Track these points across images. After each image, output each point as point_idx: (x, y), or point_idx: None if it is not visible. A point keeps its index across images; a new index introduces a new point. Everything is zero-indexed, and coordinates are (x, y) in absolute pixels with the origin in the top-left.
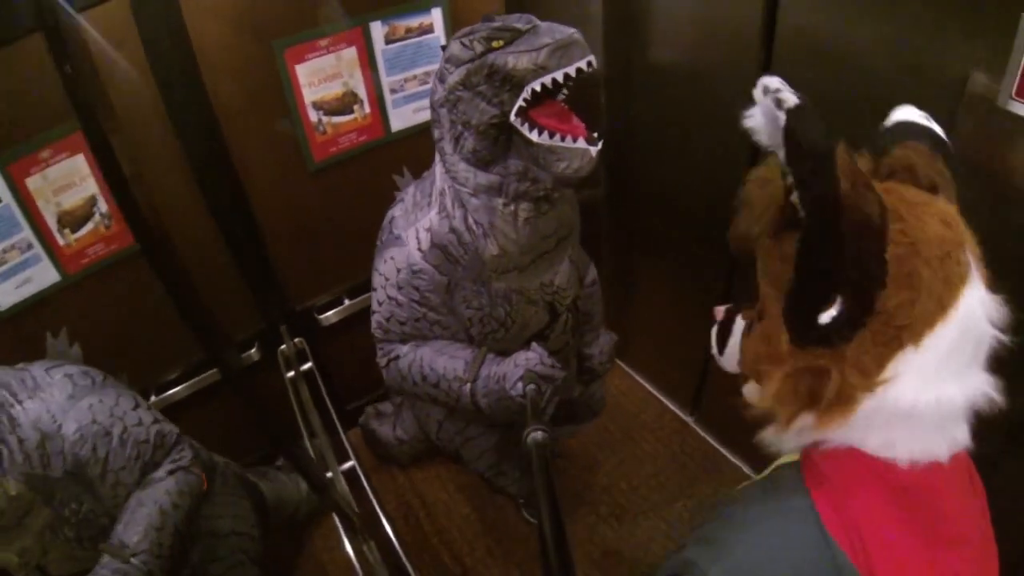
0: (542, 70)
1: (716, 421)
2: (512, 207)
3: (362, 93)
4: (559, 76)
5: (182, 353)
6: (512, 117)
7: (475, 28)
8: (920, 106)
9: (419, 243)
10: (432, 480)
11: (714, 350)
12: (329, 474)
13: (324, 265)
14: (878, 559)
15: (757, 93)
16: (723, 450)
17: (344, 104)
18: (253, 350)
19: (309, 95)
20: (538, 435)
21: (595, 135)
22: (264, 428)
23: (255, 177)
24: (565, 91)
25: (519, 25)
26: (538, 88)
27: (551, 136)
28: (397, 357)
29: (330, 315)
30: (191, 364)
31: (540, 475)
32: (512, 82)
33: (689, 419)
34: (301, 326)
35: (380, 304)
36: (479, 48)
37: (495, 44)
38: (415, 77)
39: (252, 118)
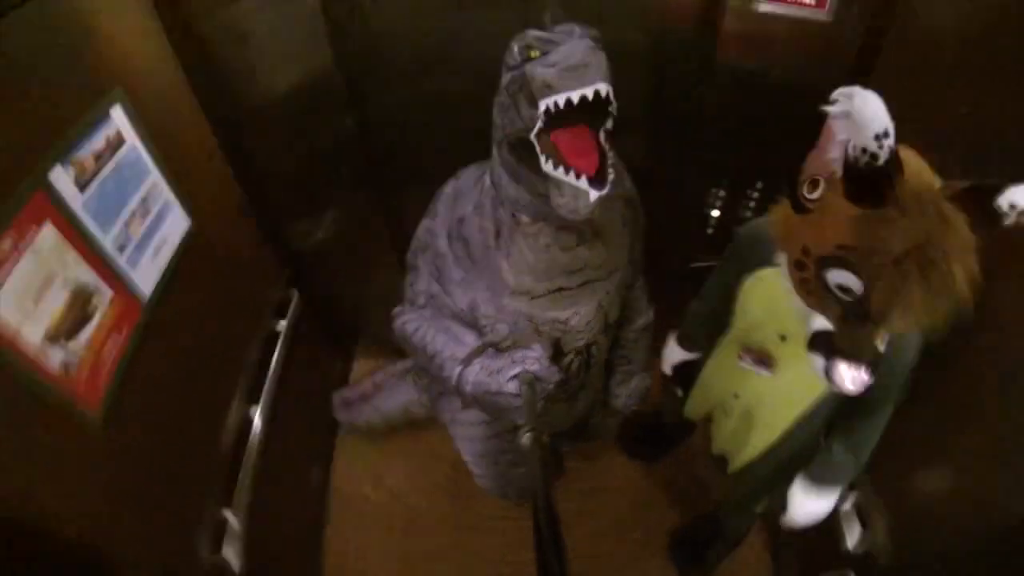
0: (549, 89)
1: None
2: (533, 229)
3: (90, 278)
4: (560, 100)
5: None
6: (532, 135)
7: (525, 34)
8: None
9: (449, 229)
10: None
11: None
12: None
13: None
14: None
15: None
16: None
17: (81, 310)
18: None
19: (32, 334)
20: (534, 434)
21: (608, 175)
22: None
23: None
24: (610, 122)
25: (556, 38)
26: (543, 109)
27: (556, 167)
28: (407, 318)
29: None
30: None
31: (537, 474)
32: (533, 98)
33: None
34: None
35: (409, 264)
36: (520, 57)
37: (532, 54)
38: (134, 213)
39: None
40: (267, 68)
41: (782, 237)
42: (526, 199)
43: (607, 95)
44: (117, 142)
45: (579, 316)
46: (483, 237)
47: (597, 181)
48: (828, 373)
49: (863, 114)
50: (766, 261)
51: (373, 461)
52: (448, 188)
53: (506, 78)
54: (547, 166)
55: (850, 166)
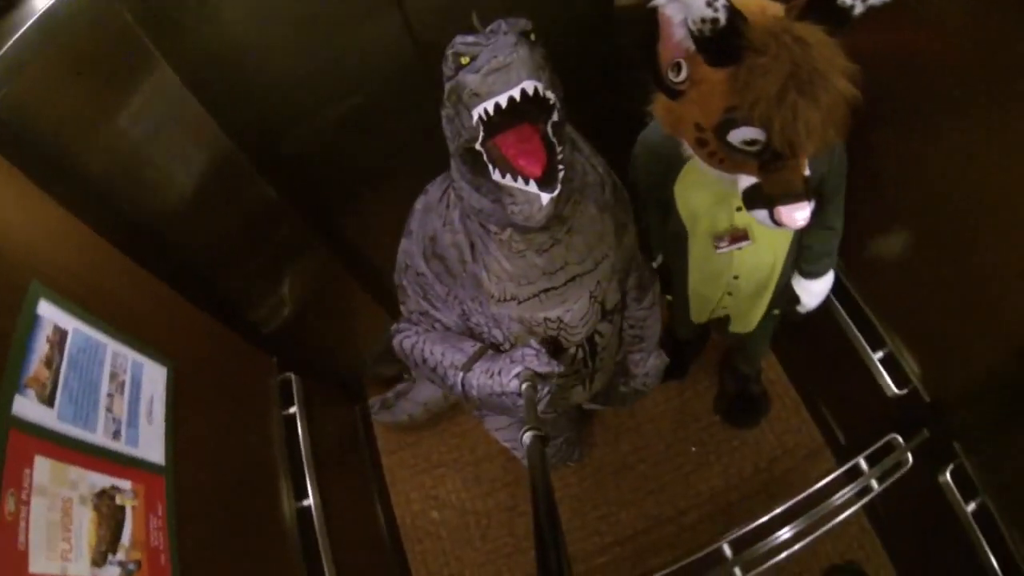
0: (477, 97)
1: None
2: (503, 236)
3: (103, 480)
4: (489, 107)
5: None
6: (478, 145)
7: (453, 41)
8: None
9: (424, 249)
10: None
11: None
12: None
13: None
14: None
15: None
16: None
17: (111, 516)
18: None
19: (80, 570)
20: (534, 434)
21: (558, 174)
22: None
23: None
24: (556, 115)
25: (481, 40)
26: (475, 118)
27: (504, 175)
28: (404, 335)
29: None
30: None
31: (536, 474)
32: (467, 107)
33: None
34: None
35: (396, 285)
36: (453, 65)
37: (463, 60)
38: (111, 395)
39: None
40: (169, 180)
41: (673, 126)
42: (489, 208)
43: (535, 91)
44: (59, 337)
45: (571, 312)
46: (457, 252)
47: (545, 183)
48: (775, 220)
49: None
50: (676, 159)
51: (427, 485)
52: (418, 205)
53: (446, 88)
54: (495, 175)
55: (698, 39)
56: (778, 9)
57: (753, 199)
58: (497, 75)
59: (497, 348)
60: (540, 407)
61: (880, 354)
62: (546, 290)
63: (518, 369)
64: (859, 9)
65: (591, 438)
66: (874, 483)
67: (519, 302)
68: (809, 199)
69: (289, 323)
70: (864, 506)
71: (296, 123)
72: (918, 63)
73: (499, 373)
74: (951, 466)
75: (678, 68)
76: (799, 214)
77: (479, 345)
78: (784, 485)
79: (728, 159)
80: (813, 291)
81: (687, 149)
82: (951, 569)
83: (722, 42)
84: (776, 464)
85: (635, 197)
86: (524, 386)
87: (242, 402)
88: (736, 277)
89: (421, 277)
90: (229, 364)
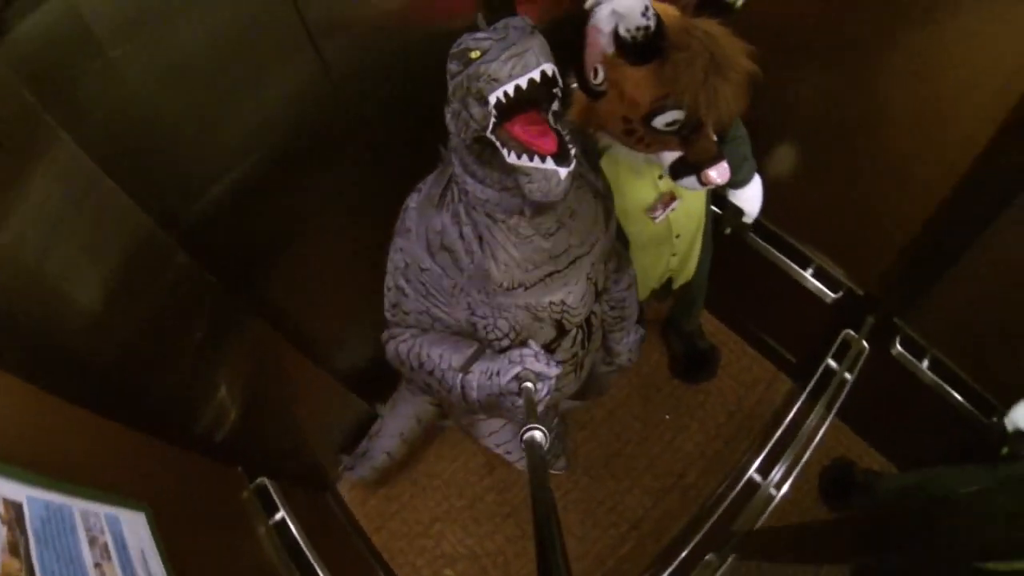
0: (495, 82)
1: None
2: (514, 221)
3: None
4: (509, 89)
5: None
6: (488, 133)
7: (462, 38)
8: None
9: (428, 244)
10: None
11: None
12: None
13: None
14: None
15: None
16: None
17: None
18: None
19: None
20: (534, 434)
21: (570, 151)
22: None
23: None
24: (556, 104)
25: (494, 35)
26: (493, 102)
27: (519, 156)
28: (399, 340)
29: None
30: None
31: (535, 474)
32: (481, 96)
33: None
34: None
35: (389, 289)
36: (461, 61)
37: (472, 55)
38: (98, 562)
39: None
40: (78, 280)
41: (597, 124)
42: (496, 197)
43: (552, 74)
44: (15, 512)
45: (573, 294)
46: (466, 244)
47: (562, 158)
48: (701, 182)
49: (626, 4)
50: (591, 153)
51: (429, 547)
52: (411, 203)
53: (452, 85)
54: (511, 158)
55: (627, 44)
56: (673, 9)
57: (679, 170)
58: (517, 59)
59: (500, 340)
60: (540, 408)
61: (810, 270)
62: (551, 274)
63: (517, 370)
64: (740, 2)
65: (572, 444)
66: (847, 375)
67: (526, 288)
68: (723, 157)
69: (240, 421)
70: (836, 408)
71: (217, 184)
72: (790, 25)
73: (498, 374)
74: (898, 338)
75: (595, 72)
76: (720, 171)
77: (476, 346)
78: (757, 418)
79: (654, 142)
80: (749, 197)
81: (603, 140)
82: (926, 426)
83: (648, 44)
84: (744, 403)
85: None
86: (523, 386)
87: (227, 524)
88: (678, 236)
89: (425, 273)
90: (198, 488)
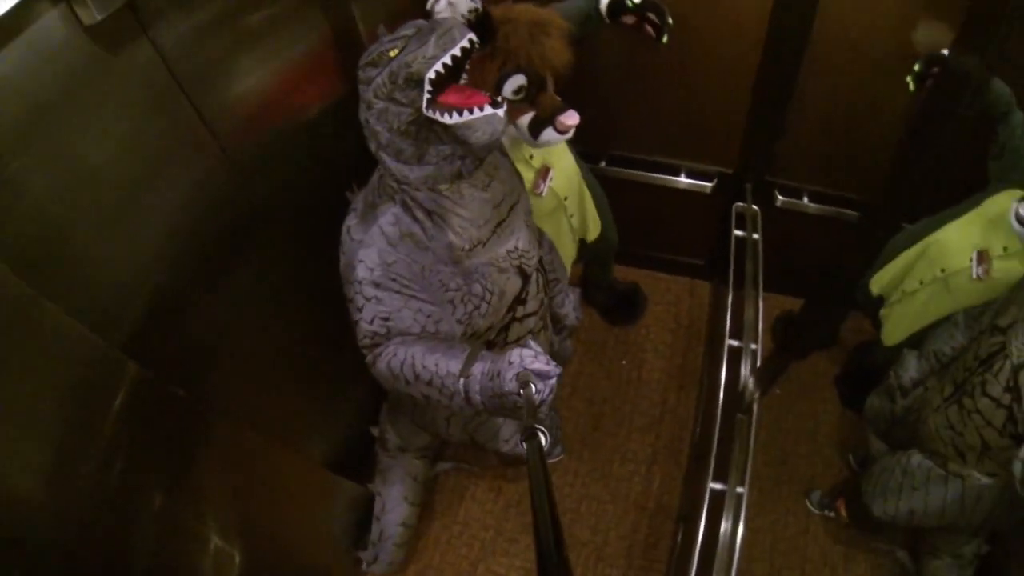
0: (433, 59)
1: None
2: (455, 187)
3: None
4: (447, 59)
5: None
6: (424, 110)
7: (372, 47)
8: None
9: (387, 238)
10: None
11: None
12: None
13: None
14: None
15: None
16: None
17: None
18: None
19: None
20: (534, 434)
21: (498, 99)
22: None
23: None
24: (466, 74)
25: (407, 32)
26: (433, 76)
27: (460, 114)
28: (387, 356)
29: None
30: None
31: (536, 475)
32: (413, 80)
33: None
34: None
35: (361, 310)
36: (381, 62)
37: (391, 53)
38: None
39: None
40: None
41: None
42: (435, 171)
43: (472, 43)
44: None
45: (521, 239)
46: (421, 225)
47: (494, 105)
48: (557, 130)
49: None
50: None
51: None
52: (351, 221)
53: (372, 88)
54: (453, 118)
55: (470, 24)
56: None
57: (537, 126)
58: (447, 37)
59: (479, 308)
60: (543, 410)
61: (682, 175)
62: (499, 223)
63: (517, 370)
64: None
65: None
66: (755, 236)
67: (484, 244)
68: (568, 108)
69: (246, 563)
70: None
71: (142, 289)
72: None
73: (498, 375)
74: (776, 191)
75: None
76: (571, 118)
77: (469, 349)
78: (696, 322)
79: (511, 110)
80: None
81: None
82: (822, 250)
83: (481, 25)
84: (680, 318)
85: None
86: (525, 388)
87: None
88: (566, 198)
89: (393, 266)
90: None
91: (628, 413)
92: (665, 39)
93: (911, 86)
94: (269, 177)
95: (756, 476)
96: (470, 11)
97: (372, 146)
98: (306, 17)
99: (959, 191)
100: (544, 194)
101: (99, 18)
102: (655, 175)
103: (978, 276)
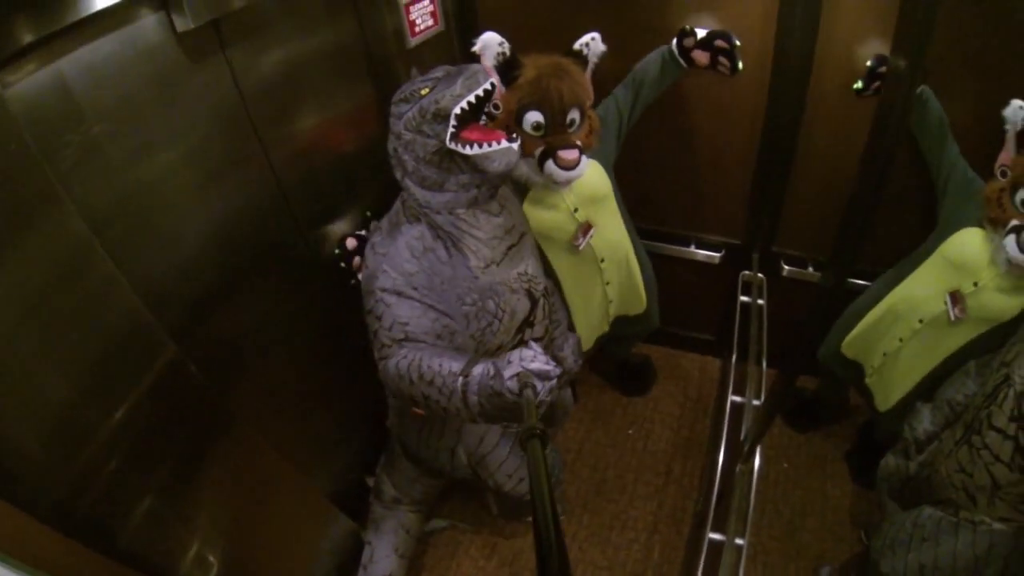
0: (459, 97)
1: None
2: (472, 212)
3: None
4: (472, 98)
5: None
6: (448, 142)
7: (405, 86)
8: None
9: (411, 250)
10: None
11: None
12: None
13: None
14: None
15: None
16: None
17: None
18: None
19: None
20: (535, 435)
21: (513, 136)
22: None
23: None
24: (485, 116)
25: (438, 75)
26: (459, 112)
27: (480, 146)
28: (397, 358)
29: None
30: None
31: (536, 476)
32: (441, 115)
33: None
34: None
35: (380, 317)
36: (413, 99)
37: (423, 92)
38: None
39: None
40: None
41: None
42: (454, 197)
43: (493, 87)
44: None
45: (530, 265)
46: (443, 243)
47: (510, 140)
48: (559, 167)
49: (485, 42)
50: (521, 186)
51: None
52: (375, 239)
53: (403, 121)
54: (474, 150)
55: (497, 67)
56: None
57: (542, 159)
58: (472, 79)
59: (492, 325)
60: (542, 410)
61: (692, 245)
62: (511, 247)
63: (517, 369)
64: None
65: (561, 491)
66: (760, 302)
67: (497, 264)
68: (579, 148)
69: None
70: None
71: (191, 279)
72: None
73: (498, 375)
74: (782, 263)
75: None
76: (570, 153)
77: (472, 355)
78: (705, 397)
79: (526, 143)
80: None
81: (530, 176)
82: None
83: (508, 67)
84: (688, 392)
85: None
86: (526, 389)
87: None
88: (603, 260)
89: (415, 276)
90: None
91: (631, 481)
92: (740, 66)
93: (858, 84)
94: (308, 203)
95: (764, 550)
96: (498, 54)
97: (398, 174)
98: (359, 77)
99: (907, 241)
100: (582, 248)
101: (192, 26)
102: (666, 245)
103: (956, 317)
